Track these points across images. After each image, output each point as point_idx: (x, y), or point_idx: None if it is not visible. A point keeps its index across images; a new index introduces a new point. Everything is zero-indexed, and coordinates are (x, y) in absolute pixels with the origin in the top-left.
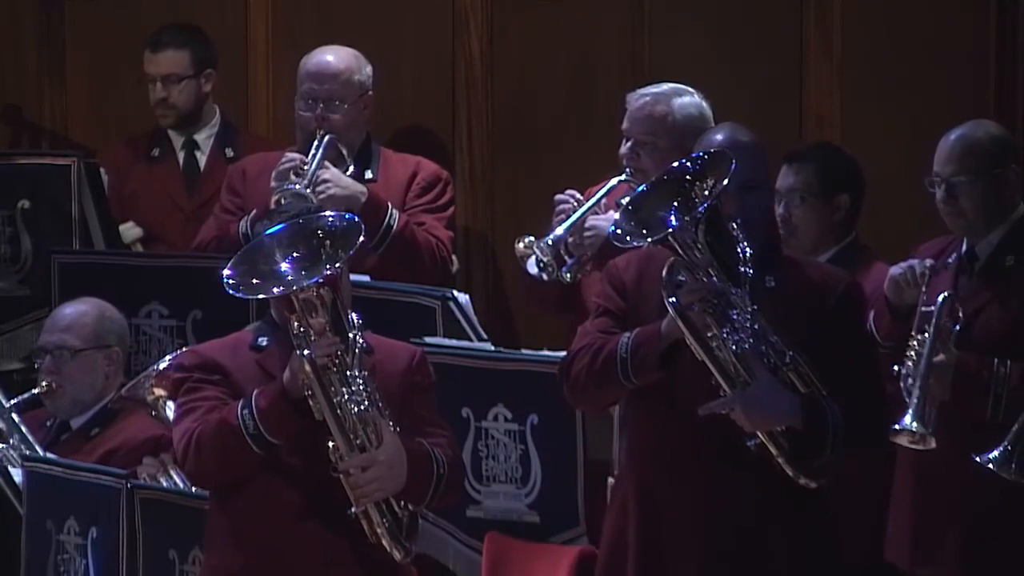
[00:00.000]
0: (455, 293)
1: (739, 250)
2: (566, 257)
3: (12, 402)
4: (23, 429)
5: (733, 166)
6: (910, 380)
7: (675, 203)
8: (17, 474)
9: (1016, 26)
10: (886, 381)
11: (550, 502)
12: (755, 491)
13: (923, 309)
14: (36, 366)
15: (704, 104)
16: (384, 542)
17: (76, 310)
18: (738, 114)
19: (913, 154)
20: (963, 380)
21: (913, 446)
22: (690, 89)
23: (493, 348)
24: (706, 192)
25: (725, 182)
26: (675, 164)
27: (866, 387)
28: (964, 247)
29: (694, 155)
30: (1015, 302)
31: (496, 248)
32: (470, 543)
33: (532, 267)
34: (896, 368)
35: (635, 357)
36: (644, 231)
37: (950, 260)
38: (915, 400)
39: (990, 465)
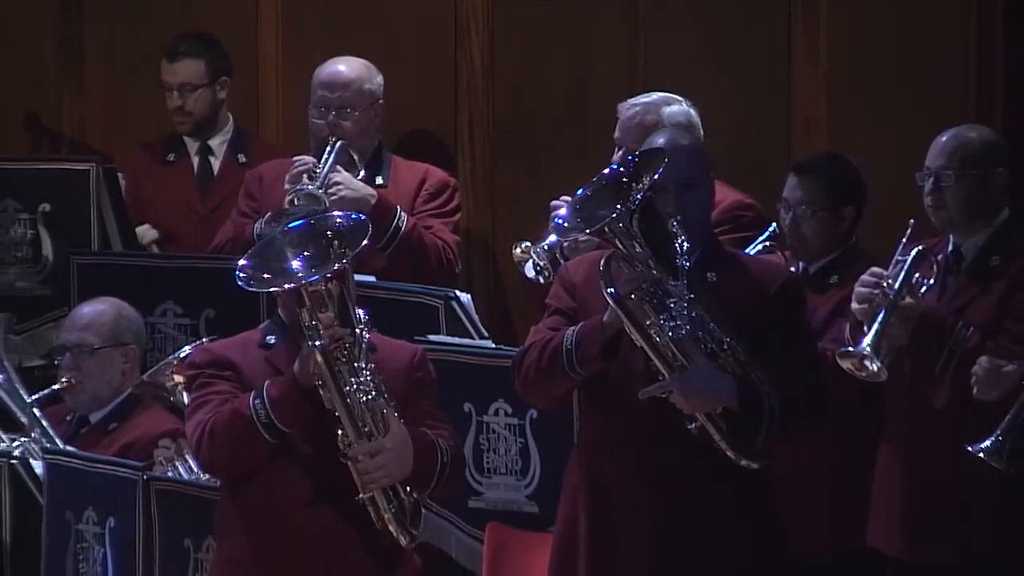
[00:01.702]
0: (457, 293)
1: (677, 244)
2: (561, 261)
3: (33, 397)
4: (44, 423)
5: (666, 160)
6: (871, 307)
7: (617, 204)
8: (38, 466)
9: (994, 36)
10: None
11: (548, 493)
12: (699, 474)
13: (898, 258)
14: (56, 363)
15: (693, 112)
16: (391, 527)
17: (95, 309)
18: (730, 118)
19: (897, 156)
20: (924, 329)
21: (858, 372)
22: (679, 98)
23: (494, 345)
24: (643, 188)
25: (658, 173)
26: (611, 167)
27: (804, 371)
28: (951, 247)
29: (628, 156)
30: (997, 297)
31: (497, 250)
32: (472, 532)
33: (529, 271)
34: (859, 297)
35: (579, 348)
36: (584, 224)
37: (937, 259)
38: (875, 328)
39: (981, 455)
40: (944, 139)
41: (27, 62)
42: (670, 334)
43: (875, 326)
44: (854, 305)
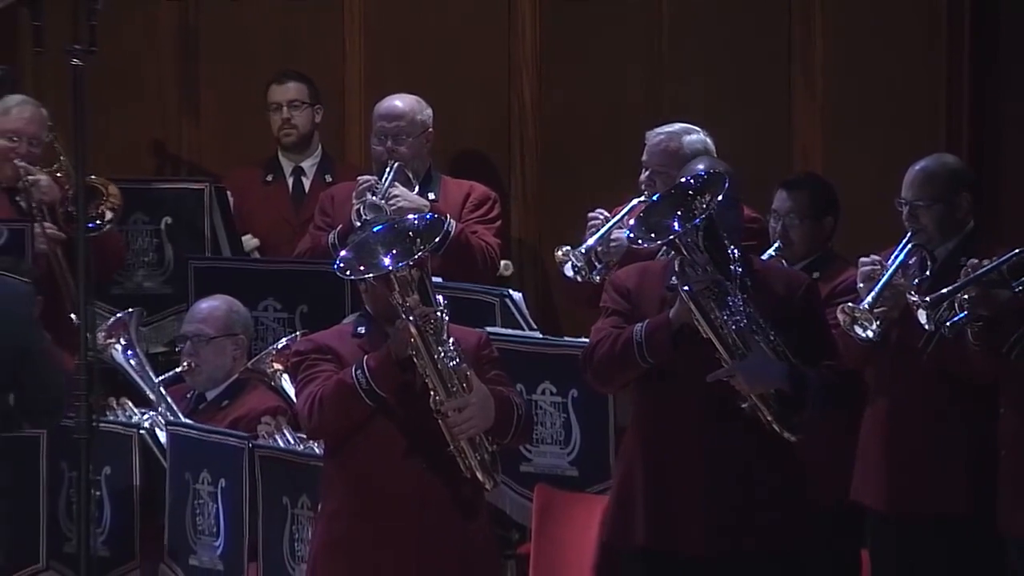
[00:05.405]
0: (511, 291)
1: (729, 252)
2: (595, 263)
3: (160, 378)
4: (168, 400)
5: (727, 183)
6: (871, 269)
7: (678, 212)
8: (163, 435)
9: (961, 79)
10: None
11: (587, 459)
12: (747, 445)
13: (896, 249)
14: (177, 350)
15: (709, 140)
16: (478, 473)
17: (210, 304)
18: (738, 146)
19: (881, 179)
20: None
21: (847, 328)
22: (697, 128)
23: (541, 336)
24: (704, 205)
25: (721, 195)
26: (678, 182)
27: (836, 361)
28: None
29: (697, 173)
30: None
31: (544, 255)
32: (523, 493)
33: (568, 271)
34: (861, 276)
35: (649, 341)
36: (653, 234)
37: (912, 261)
38: (875, 291)
39: (923, 304)
40: (915, 171)
41: (154, 100)
42: (733, 326)
43: (874, 291)
44: (859, 284)
